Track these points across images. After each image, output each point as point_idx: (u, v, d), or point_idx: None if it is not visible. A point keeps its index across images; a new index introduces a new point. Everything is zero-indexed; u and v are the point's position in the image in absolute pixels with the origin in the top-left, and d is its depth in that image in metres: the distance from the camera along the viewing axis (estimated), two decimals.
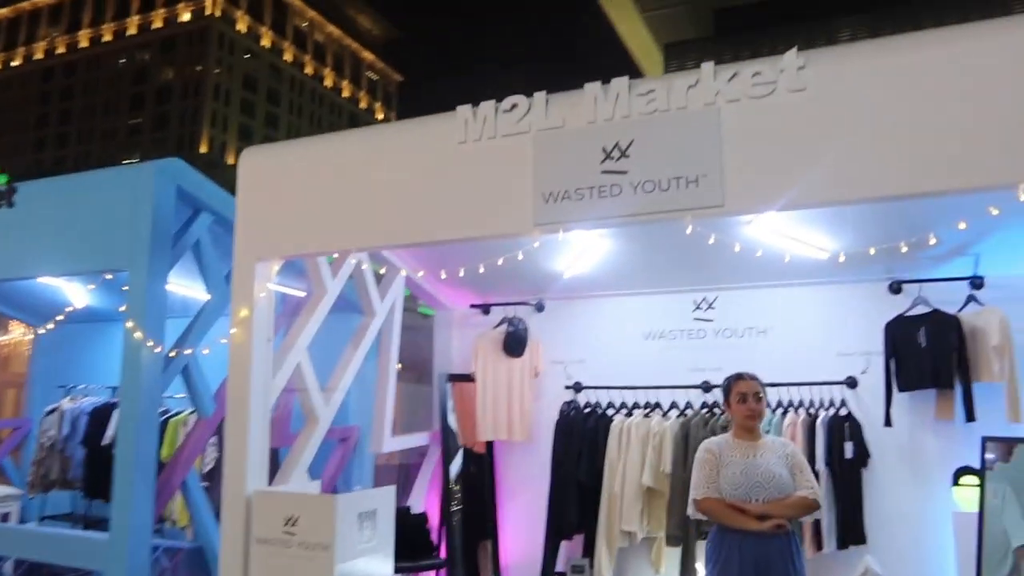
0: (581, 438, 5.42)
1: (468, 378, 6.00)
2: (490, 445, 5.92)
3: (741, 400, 3.61)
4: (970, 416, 4.55)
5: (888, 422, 4.85)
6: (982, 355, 4.58)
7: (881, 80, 3.16)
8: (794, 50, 3.28)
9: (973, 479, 4.53)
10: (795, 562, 3.37)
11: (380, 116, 60.42)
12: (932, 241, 4.36)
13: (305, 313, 4.78)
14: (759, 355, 5.34)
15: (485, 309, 6.18)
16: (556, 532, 5.41)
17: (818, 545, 4.73)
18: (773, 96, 3.30)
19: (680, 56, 42.84)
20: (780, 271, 5.19)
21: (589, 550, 5.41)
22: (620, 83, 3.59)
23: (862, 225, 4.45)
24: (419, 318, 6.97)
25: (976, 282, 4.80)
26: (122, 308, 4.75)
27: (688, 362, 5.54)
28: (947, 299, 4.86)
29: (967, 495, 4.54)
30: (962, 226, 4.09)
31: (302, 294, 5.48)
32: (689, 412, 5.31)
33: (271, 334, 4.43)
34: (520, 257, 4.50)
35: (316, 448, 4.74)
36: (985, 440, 3.41)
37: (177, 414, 6.26)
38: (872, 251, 4.30)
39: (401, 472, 6.17)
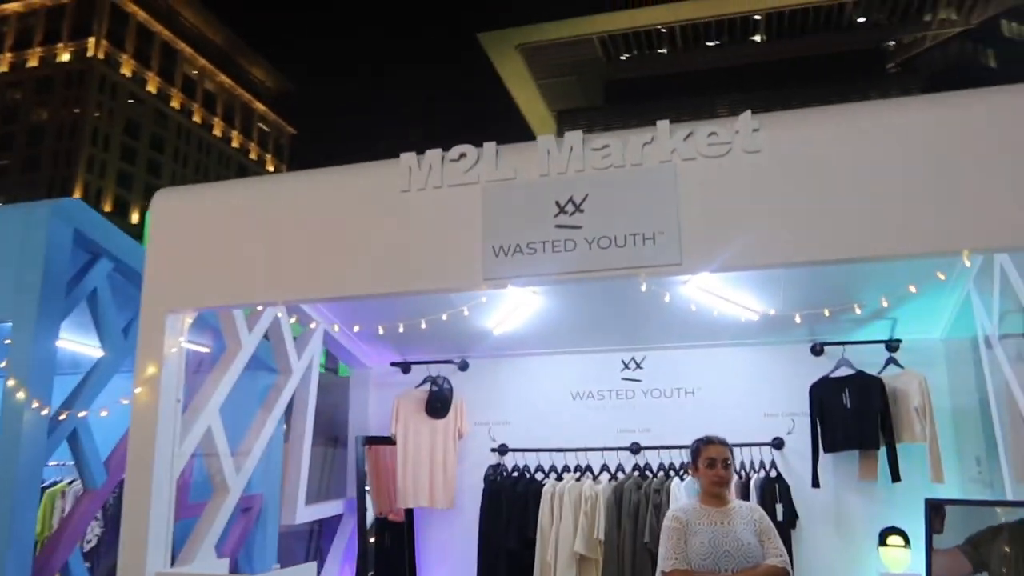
0: (510, 504, 5.18)
1: (386, 441, 5.67)
2: (409, 513, 5.57)
3: (710, 465, 3.50)
4: (896, 477, 4.65)
5: (816, 483, 4.89)
6: (904, 416, 4.71)
7: (834, 145, 3.22)
8: (747, 113, 3.32)
9: (899, 539, 4.60)
10: None
11: (271, 168, 59.04)
12: (857, 310, 4.50)
13: (217, 371, 4.37)
14: (687, 415, 5.32)
15: (405, 368, 5.90)
16: None
17: None
18: (729, 156, 3.30)
19: (572, 123, 44.38)
20: (707, 332, 5.23)
21: None
22: (574, 137, 3.51)
23: (789, 287, 4.54)
24: (331, 376, 6.60)
25: (893, 345, 4.97)
26: (2, 364, 4.19)
27: (617, 423, 5.45)
28: (866, 361, 5.01)
29: (894, 555, 4.60)
30: (884, 303, 4.26)
31: (205, 350, 5.05)
32: (621, 475, 5.18)
33: (180, 395, 4.00)
34: (466, 313, 4.31)
35: (225, 522, 4.29)
36: (929, 502, 3.44)
37: (53, 484, 5.58)
38: (798, 318, 4.37)
39: (311, 541, 5.70)
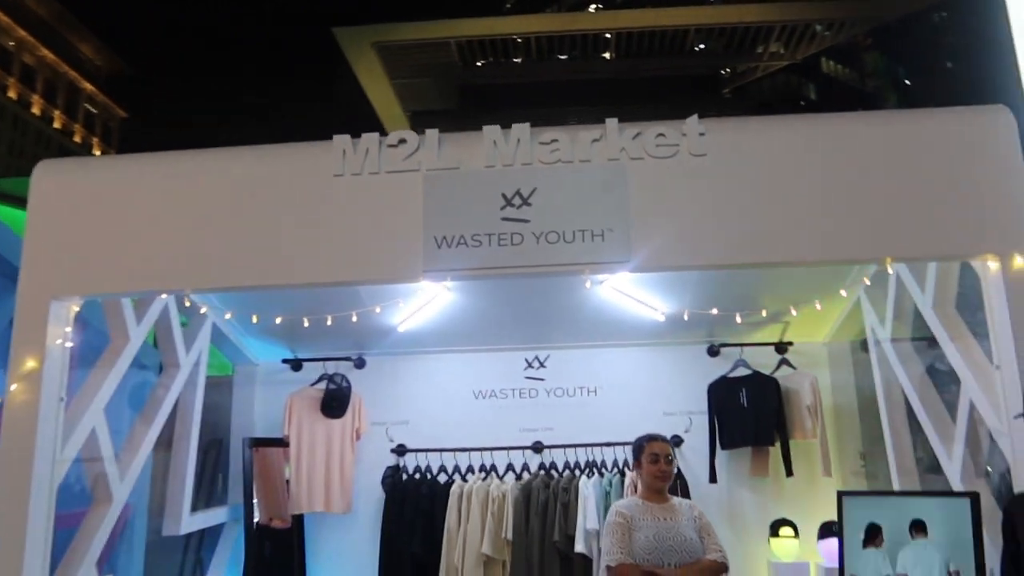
0: (414, 506, 5.00)
1: (276, 443, 5.31)
2: (298, 520, 5.24)
3: (653, 461, 3.52)
4: (789, 471, 4.93)
5: (713, 478, 5.09)
6: (796, 414, 5.01)
7: (773, 153, 3.36)
8: (695, 116, 3.39)
9: (789, 530, 4.88)
10: None
11: (97, 152, 54.24)
12: (763, 313, 4.74)
13: (102, 366, 3.91)
14: (590, 414, 5.39)
15: (296, 365, 5.57)
16: None
17: None
18: (676, 158, 3.36)
19: (426, 124, 43.97)
20: (610, 332, 5.32)
21: None
22: (521, 129, 3.44)
23: (694, 289, 4.71)
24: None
25: (784, 348, 5.27)
26: None
27: (520, 422, 5.42)
28: (759, 362, 5.28)
29: (784, 545, 4.87)
30: (792, 310, 4.53)
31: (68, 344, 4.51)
32: (526, 475, 5.15)
33: (64, 393, 3.52)
34: (378, 311, 4.10)
35: (108, 534, 3.84)
36: (841, 495, 3.65)
37: None
38: (714, 311, 4.56)
39: (188, 553, 5.20)
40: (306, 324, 4.51)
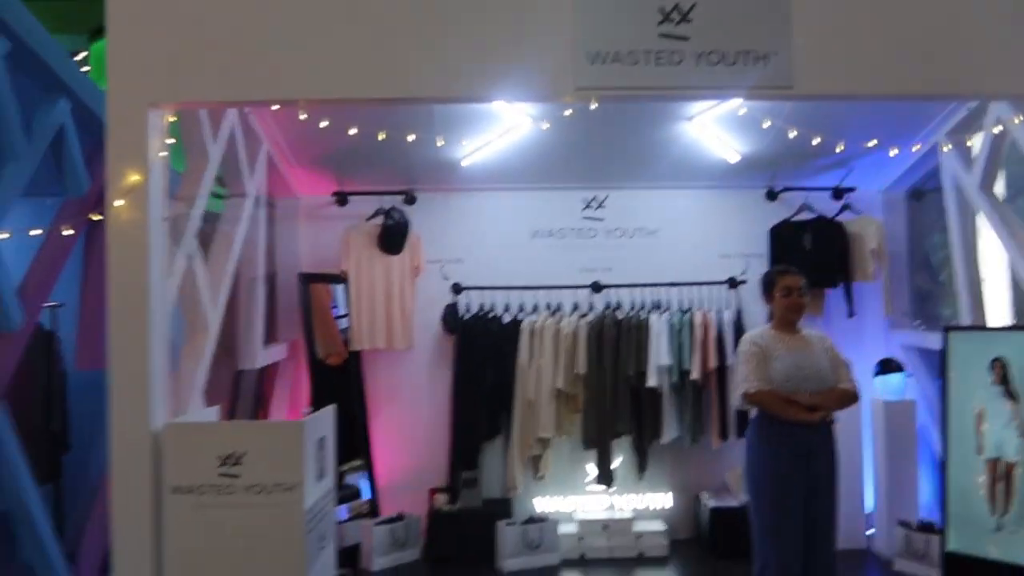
0: (485, 343, 4.96)
1: (328, 278, 5.10)
2: (355, 356, 5.13)
3: (786, 293, 3.52)
4: (852, 312, 5.08)
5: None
6: (859, 258, 5.10)
7: None
8: None
9: (894, 368, 5.00)
10: (834, 450, 3.44)
11: None
12: (839, 148, 4.68)
13: (186, 191, 3.56)
14: (648, 255, 5.36)
15: (342, 199, 5.26)
16: (463, 446, 4.93)
17: (723, 435, 4.97)
18: None
19: None
20: (671, 173, 5.21)
21: (472, 462, 5.04)
22: None
23: (771, 131, 4.60)
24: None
25: (845, 192, 5.28)
26: None
27: (577, 262, 5.34)
28: (819, 208, 5.29)
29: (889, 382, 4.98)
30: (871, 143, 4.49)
31: None
32: (591, 315, 5.12)
33: (167, 211, 3.20)
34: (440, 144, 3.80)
35: (208, 365, 3.64)
36: (947, 329, 3.78)
37: None
38: (816, 140, 4.46)
39: (246, 387, 5.03)
40: (382, 137, 4.16)
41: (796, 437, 3.35)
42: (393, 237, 5.00)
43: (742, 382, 3.43)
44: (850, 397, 3.44)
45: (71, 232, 3.72)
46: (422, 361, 5.24)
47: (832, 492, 3.44)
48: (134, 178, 3.03)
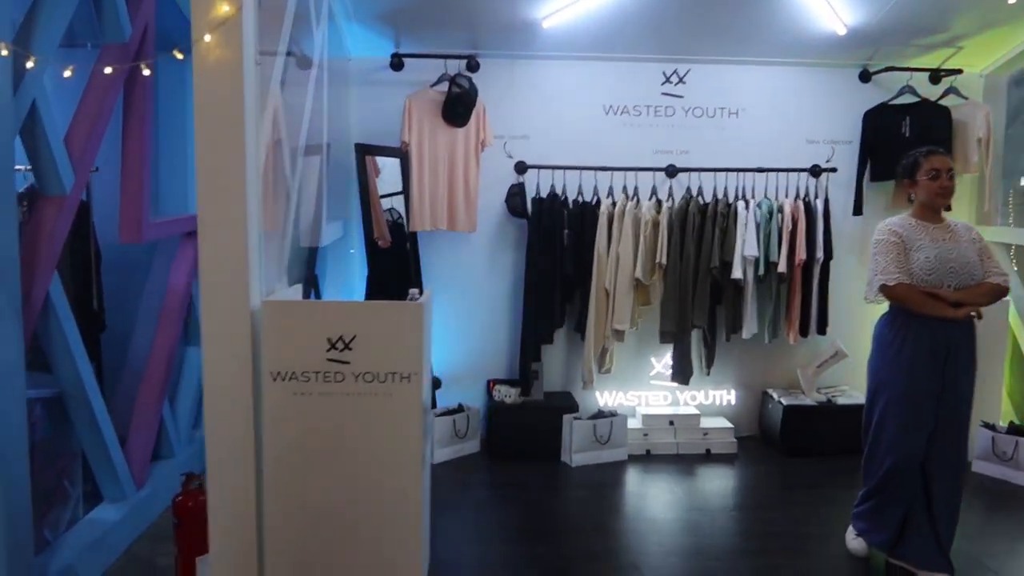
0: (560, 229, 4.56)
1: (386, 151, 4.61)
2: (411, 237, 4.72)
3: (933, 176, 3.17)
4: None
5: (859, 210, 4.89)
6: (962, 147, 4.74)
7: None
8: None
9: None
10: (975, 348, 3.18)
11: None
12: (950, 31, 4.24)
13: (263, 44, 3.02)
14: (729, 138, 4.95)
15: (397, 63, 4.70)
16: (535, 335, 4.61)
17: (803, 332, 4.72)
18: None
19: None
20: (760, 46, 4.75)
21: (538, 353, 4.75)
22: None
23: (878, 3, 4.15)
24: None
25: (948, 74, 4.87)
26: None
27: (652, 143, 4.91)
28: (921, 91, 4.89)
29: None
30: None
31: None
32: (671, 201, 4.73)
33: (259, 54, 2.69)
34: None
35: (290, 234, 3.21)
36: None
37: None
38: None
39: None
40: None
41: (935, 334, 3.08)
42: (459, 107, 4.49)
43: (879, 274, 3.13)
44: (1000, 292, 3.16)
45: (112, 83, 3.19)
46: (482, 245, 4.85)
47: (968, 395, 3.21)
48: (224, 8, 2.50)
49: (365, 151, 4.48)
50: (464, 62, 4.68)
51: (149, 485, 3.81)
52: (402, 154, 4.54)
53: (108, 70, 3.01)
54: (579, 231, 4.56)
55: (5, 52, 2.55)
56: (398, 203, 4.72)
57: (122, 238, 3.62)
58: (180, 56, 2.63)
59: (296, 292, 3.15)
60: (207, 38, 2.49)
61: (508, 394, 4.62)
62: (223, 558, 2.72)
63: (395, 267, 4.63)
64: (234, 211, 2.56)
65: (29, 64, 2.62)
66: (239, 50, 2.53)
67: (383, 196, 4.72)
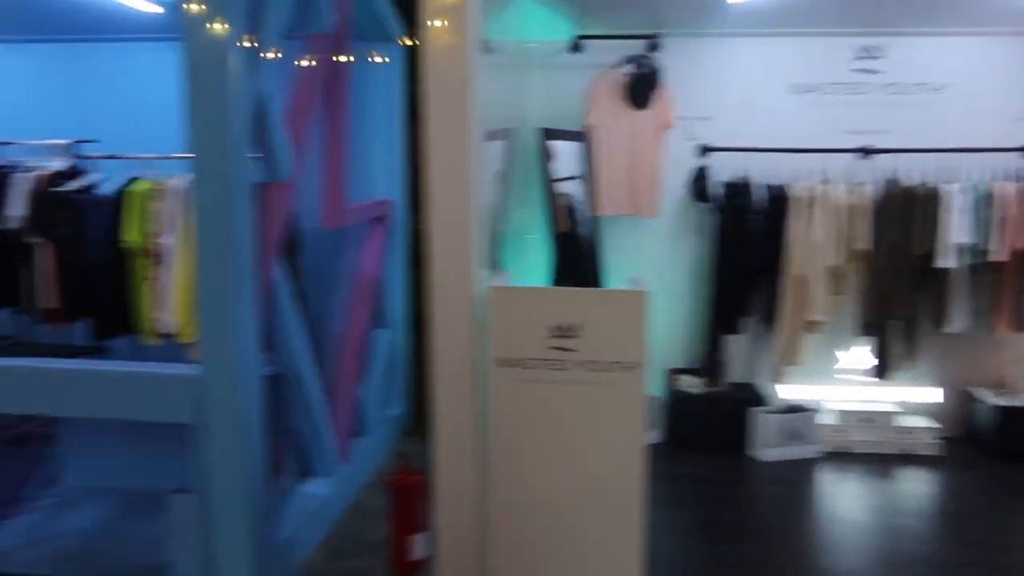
0: (749, 213, 4.39)
1: (566, 135, 4.56)
2: (593, 223, 4.66)
3: None
4: None
5: None
6: None
7: None
8: None
9: None
10: None
11: None
12: None
13: None
14: (931, 116, 4.60)
15: (576, 45, 4.64)
16: (722, 324, 4.48)
17: (1021, 326, 4.34)
18: None
19: None
20: (968, 15, 4.34)
21: (715, 342, 4.59)
22: None
23: None
24: None
25: None
26: None
27: (843, 122, 4.63)
28: None
29: None
30: None
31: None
32: (869, 184, 4.45)
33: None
34: None
35: None
36: None
37: (135, 180, 4.12)
38: None
39: None
40: None
41: None
42: (643, 88, 4.39)
43: None
44: None
45: (318, 72, 3.31)
46: (662, 230, 4.74)
47: None
48: None
49: (547, 135, 4.44)
50: (646, 42, 4.56)
51: (352, 461, 3.97)
52: (583, 138, 4.48)
53: (342, 58, 3.10)
54: (769, 216, 4.36)
55: (249, 43, 2.67)
56: (571, 187, 4.67)
57: (325, 222, 3.76)
58: (409, 41, 2.68)
59: (506, 277, 3.16)
60: (438, 23, 2.52)
61: (692, 384, 4.50)
62: (448, 540, 2.77)
63: (575, 254, 4.59)
64: (460, 196, 2.58)
65: (270, 54, 2.74)
66: (465, 34, 2.54)
67: (557, 181, 4.68)
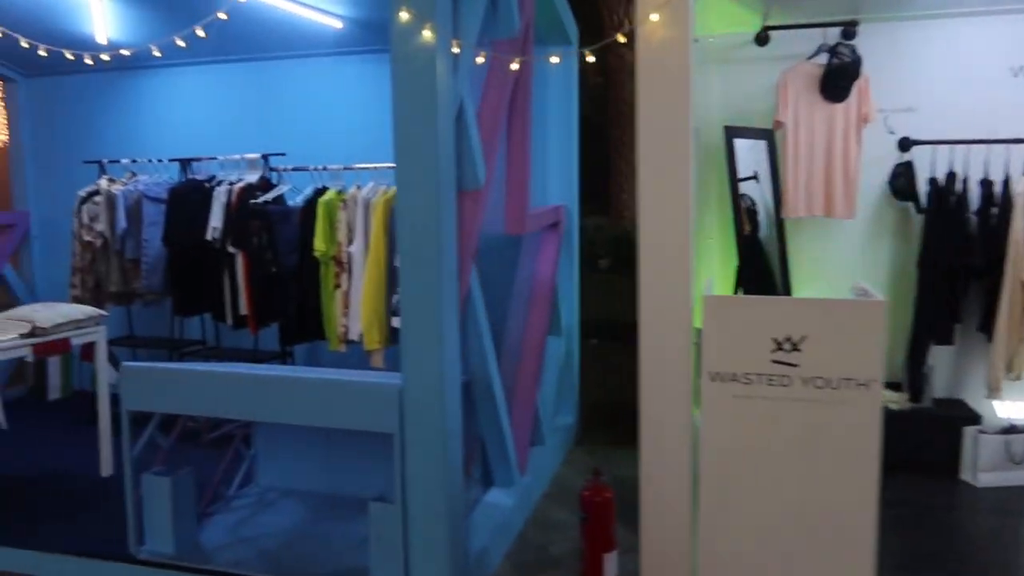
0: (963, 213, 3.98)
1: (755, 133, 4.31)
2: (779, 225, 4.38)
3: None
4: None
5: None
6: None
7: None
8: None
9: None
10: None
11: None
12: None
13: None
14: None
15: (763, 37, 4.37)
16: (930, 334, 4.10)
17: None
18: None
19: None
20: None
21: (920, 353, 4.17)
22: None
23: None
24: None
25: None
26: None
27: None
28: None
29: None
30: None
31: None
32: None
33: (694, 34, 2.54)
34: None
35: None
36: None
37: (322, 191, 4.25)
38: None
39: None
40: None
41: None
42: (841, 80, 4.06)
43: None
44: None
45: (506, 78, 3.25)
46: (856, 232, 4.38)
47: None
48: None
49: (733, 134, 4.21)
50: (841, 30, 4.23)
51: (529, 471, 3.89)
52: (767, 135, 4.21)
53: (554, 59, 3.05)
54: (985, 214, 3.92)
55: (456, 49, 2.64)
56: (749, 188, 4.41)
57: (508, 229, 3.71)
58: (592, 58, 2.58)
59: (707, 285, 2.97)
60: (654, 17, 2.38)
61: (893, 399, 4.12)
62: (653, 560, 2.62)
63: (760, 258, 4.33)
64: (678, 199, 2.43)
65: (479, 59, 2.71)
66: (684, 28, 2.38)
67: (741, 181, 4.44)
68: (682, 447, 2.52)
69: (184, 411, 3.11)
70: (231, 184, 4.37)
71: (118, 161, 4.91)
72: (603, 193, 6.84)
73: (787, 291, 4.37)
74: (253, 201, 4.26)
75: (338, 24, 4.53)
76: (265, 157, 4.57)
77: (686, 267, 2.45)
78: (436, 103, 2.53)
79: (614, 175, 6.90)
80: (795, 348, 2.41)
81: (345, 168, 4.33)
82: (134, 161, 4.90)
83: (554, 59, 4.06)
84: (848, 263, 4.40)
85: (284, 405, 2.85)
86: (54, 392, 3.66)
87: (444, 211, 2.62)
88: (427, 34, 2.49)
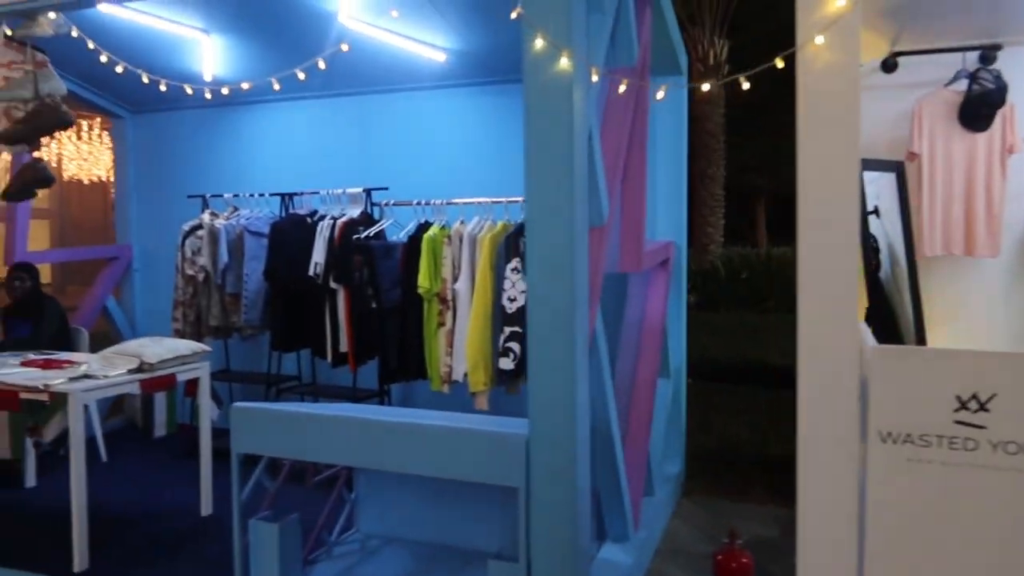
0: None
1: (880, 166, 4.03)
2: (911, 264, 4.06)
3: None
4: None
5: None
6: None
7: None
8: None
9: None
10: None
11: None
12: None
13: None
14: None
15: (891, 64, 4.10)
16: None
17: None
18: None
19: None
20: None
21: None
22: None
23: None
24: None
25: None
26: None
27: None
28: None
29: None
30: None
31: None
32: None
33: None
34: None
35: None
36: None
37: (426, 226, 4.14)
38: None
39: None
40: None
41: None
42: (983, 108, 3.76)
43: None
44: None
45: (626, 107, 3.08)
46: (998, 271, 4.02)
47: None
48: (837, 5, 2.16)
49: (861, 166, 3.93)
50: (979, 54, 3.93)
51: (642, 525, 3.65)
52: (896, 168, 3.92)
53: (707, 86, 2.88)
54: None
55: (595, 77, 2.48)
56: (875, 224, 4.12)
57: (623, 266, 3.52)
58: (747, 84, 2.39)
59: (865, 330, 2.71)
60: (819, 39, 2.17)
61: None
62: None
63: (888, 299, 4.01)
64: (845, 236, 2.20)
65: (622, 88, 2.55)
66: (854, 52, 2.17)
67: (868, 215, 4.15)
68: (846, 510, 2.25)
69: (299, 456, 2.98)
70: (334, 219, 4.31)
71: (220, 195, 4.93)
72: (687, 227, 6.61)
73: (920, 337, 4.03)
74: (356, 236, 4.19)
75: (441, 57, 4.46)
76: (367, 192, 4.50)
77: (852, 310, 2.21)
78: (573, 134, 2.38)
79: (697, 207, 6.66)
80: (982, 408, 2.13)
81: (447, 203, 4.23)
82: (236, 195, 4.91)
83: (681, 88, 3.89)
84: (989, 306, 4.05)
85: (405, 453, 2.69)
86: (160, 429, 3.60)
87: (578, 248, 2.45)
88: (564, 62, 2.34)
